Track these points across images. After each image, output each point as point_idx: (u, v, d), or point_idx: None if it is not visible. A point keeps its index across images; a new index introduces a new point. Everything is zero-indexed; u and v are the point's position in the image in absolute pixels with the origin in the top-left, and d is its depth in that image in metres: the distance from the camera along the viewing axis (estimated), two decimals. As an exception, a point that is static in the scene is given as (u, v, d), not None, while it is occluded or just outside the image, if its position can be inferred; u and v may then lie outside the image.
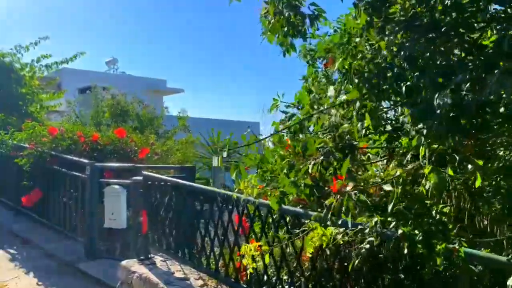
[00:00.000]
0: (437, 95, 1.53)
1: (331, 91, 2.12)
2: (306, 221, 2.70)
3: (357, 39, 2.20)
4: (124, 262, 4.25)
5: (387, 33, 1.75)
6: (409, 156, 1.79)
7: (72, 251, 6.07)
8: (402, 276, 2.12)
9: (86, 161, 6.16)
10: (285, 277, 2.82)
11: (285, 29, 2.32)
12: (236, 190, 3.48)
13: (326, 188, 2.14)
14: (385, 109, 2.00)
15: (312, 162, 1.96)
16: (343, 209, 1.76)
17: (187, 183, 3.94)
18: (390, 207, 1.63)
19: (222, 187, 9.37)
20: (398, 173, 1.65)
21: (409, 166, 1.61)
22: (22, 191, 7.18)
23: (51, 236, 6.59)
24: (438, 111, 1.51)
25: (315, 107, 2.12)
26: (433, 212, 1.78)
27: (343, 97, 2.11)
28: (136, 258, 4.34)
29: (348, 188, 1.66)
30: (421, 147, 1.54)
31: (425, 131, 1.60)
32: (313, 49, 3.99)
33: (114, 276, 4.81)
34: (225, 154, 2.66)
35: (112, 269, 5.31)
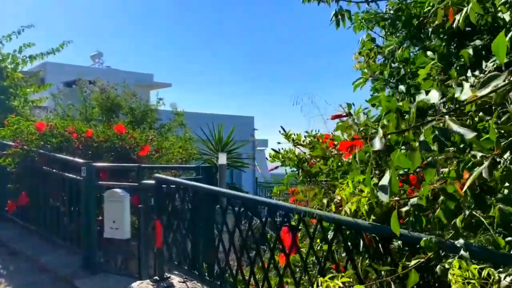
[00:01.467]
0: None
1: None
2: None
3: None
4: (135, 285, 3.53)
5: None
6: None
7: (67, 263, 5.31)
8: None
9: (81, 160, 5.38)
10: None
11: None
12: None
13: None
14: None
15: (487, 162, 1.26)
16: None
17: (215, 188, 3.24)
18: None
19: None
20: None
21: None
22: (7, 195, 6.39)
23: (43, 246, 5.81)
24: None
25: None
26: None
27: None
28: (148, 279, 3.62)
29: None
30: None
31: None
32: (368, 18, 3.27)
33: (118, 295, 4.12)
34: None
35: (116, 286, 4.60)
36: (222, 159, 7.98)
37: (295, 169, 3.58)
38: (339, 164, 2.84)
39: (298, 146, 4.00)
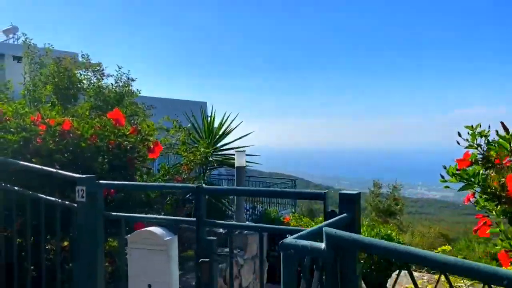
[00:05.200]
0: None
1: None
2: None
3: None
4: None
5: None
6: None
7: None
8: None
9: (75, 174, 3.12)
10: None
11: None
12: None
13: None
14: None
15: None
16: None
17: None
18: None
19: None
20: None
21: None
22: None
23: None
24: None
25: None
26: None
27: None
28: None
29: None
30: None
31: None
32: None
33: None
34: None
35: None
36: (241, 160, 5.91)
37: None
38: None
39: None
